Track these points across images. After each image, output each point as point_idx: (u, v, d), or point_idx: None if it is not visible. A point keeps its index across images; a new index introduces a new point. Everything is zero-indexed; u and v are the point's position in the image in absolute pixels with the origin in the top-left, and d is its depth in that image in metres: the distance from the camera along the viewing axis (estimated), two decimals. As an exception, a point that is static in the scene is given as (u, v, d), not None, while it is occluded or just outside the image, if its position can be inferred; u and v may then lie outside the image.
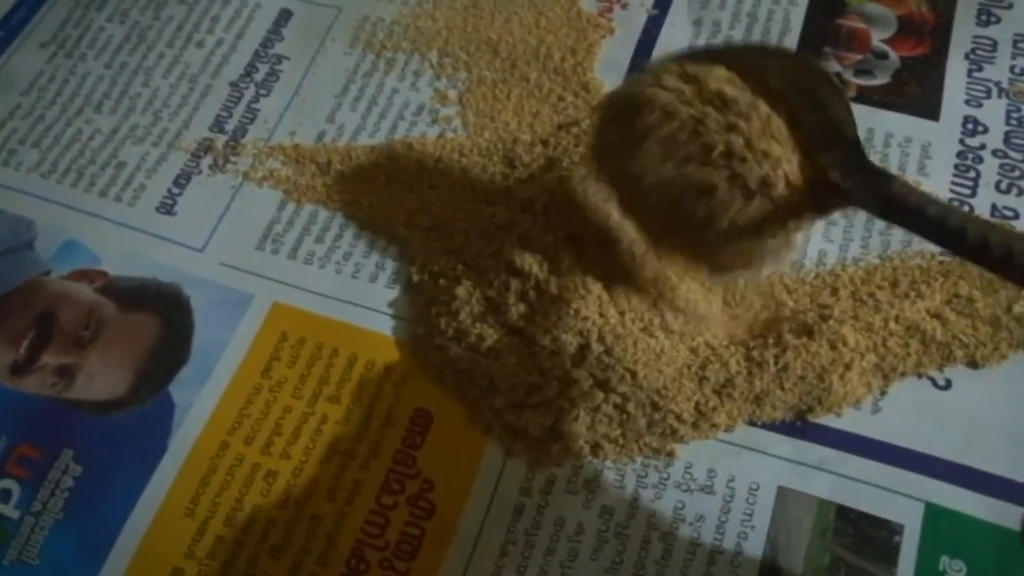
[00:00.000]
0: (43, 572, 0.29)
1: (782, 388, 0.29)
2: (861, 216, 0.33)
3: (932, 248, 0.31)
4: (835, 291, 0.31)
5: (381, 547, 0.29)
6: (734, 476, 0.29)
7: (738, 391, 0.29)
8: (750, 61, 0.26)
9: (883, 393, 0.30)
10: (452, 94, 0.37)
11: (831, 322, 0.29)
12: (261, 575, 0.29)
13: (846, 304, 0.30)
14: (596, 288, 0.29)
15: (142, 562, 0.29)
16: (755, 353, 0.29)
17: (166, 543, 0.29)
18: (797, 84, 0.25)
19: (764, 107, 0.25)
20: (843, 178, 0.24)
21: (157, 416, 0.31)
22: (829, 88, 0.25)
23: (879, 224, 0.33)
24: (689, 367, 0.29)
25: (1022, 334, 0.30)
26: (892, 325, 0.30)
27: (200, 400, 0.31)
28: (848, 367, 0.29)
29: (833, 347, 0.29)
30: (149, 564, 0.29)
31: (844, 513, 0.28)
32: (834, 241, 0.33)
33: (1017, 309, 0.30)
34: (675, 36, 0.38)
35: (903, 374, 0.30)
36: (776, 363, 0.29)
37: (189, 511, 0.30)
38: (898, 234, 0.32)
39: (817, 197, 0.25)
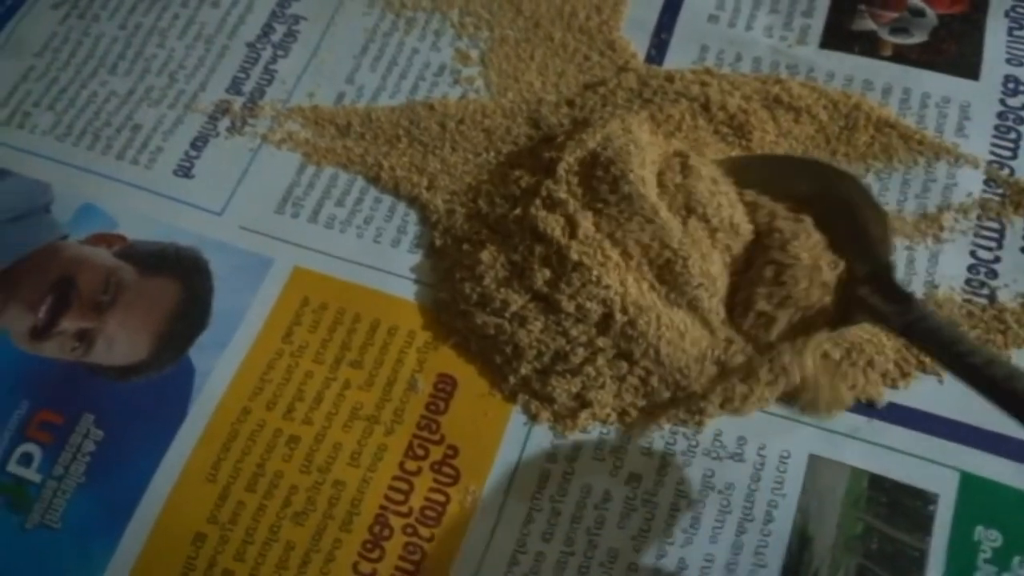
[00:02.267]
0: (66, 536, 0.29)
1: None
2: (897, 179, 0.32)
3: (971, 212, 0.31)
4: None
5: (405, 513, 0.29)
6: (765, 444, 0.29)
7: (764, 381, 0.28)
8: (785, 170, 0.30)
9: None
10: (474, 54, 0.36)
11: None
12: (284, 540, 0.28)
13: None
14: (615, 255, 0.28)
15: (165, 526, 0.29)
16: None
17: (188, 508, 0.29)
18: (839, 196, 0.28)
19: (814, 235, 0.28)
20: (876, 299, 0.26)
21: (177, 381, 0.31)
22: (872, 207, 0.28)
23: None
24: (713, 350, 0.28)
25: None
26: None
27: (220, 365, 0.31)
28: (871, 364, 0.28)
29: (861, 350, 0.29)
30: (172, 528, 0.29)
31: (877, 482, 0.28)
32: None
33: None
34: (704, -6, 0.37)
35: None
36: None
37: (211, 476, 0.29)
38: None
39: (842, 310, 0.27)
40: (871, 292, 0.27)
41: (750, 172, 0.30)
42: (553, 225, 0.29)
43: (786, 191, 0.29)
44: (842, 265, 0.28)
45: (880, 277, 0.27)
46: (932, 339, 0.25)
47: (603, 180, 0.28)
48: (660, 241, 0.28)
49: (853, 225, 0.28)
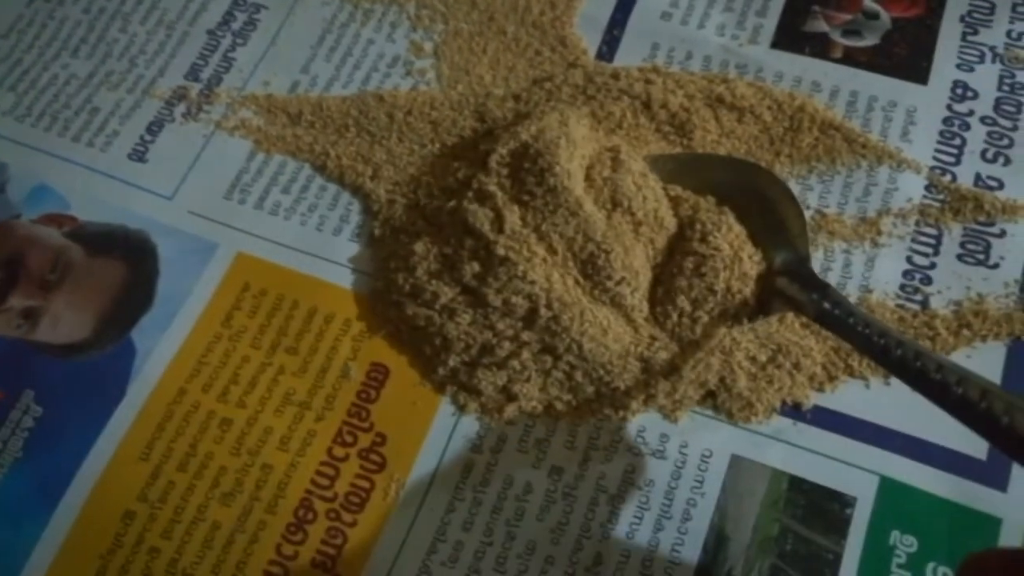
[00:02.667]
0: (1, 509, 0.29)
1: (732, 380, 0.29)
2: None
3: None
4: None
5: (330, 498, 0.29)
6: (687, 442, 0.29)
7: (686, 379, 0.28)
8: (710, 168, 0.30)
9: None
10: (428, 46, 0.36)
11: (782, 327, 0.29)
12: (211, 520, 0.29)
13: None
14: (540, 250, 0.28)
15: (96, 503, 0.29)
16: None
17: (120, 486, 0.29)
18: (759, 192, 0.29)
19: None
20: (794, 289, 0.27)
21: (118, 361, 0.31)
22: (791, 203, 0.28)
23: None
24: (636, 346, 0.28)
25: (986, 329, 0.29)
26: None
27: (161, 347, 0.31)
28: (797, 367, 0.29)
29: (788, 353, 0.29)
30: (103, 506, 0.29)
31: (797, 484, 0.28)
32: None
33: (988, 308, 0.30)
34: (659, -8, 0.37)
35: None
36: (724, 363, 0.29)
37: (144, 455, 0.30)
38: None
39: (762, 303, 0.28)
40: (789, 282, 0.27)
41: (676, 169, 0.30)
42: (482, 219, 0.29)
43: (709, 187, 0.29)
44: (760, 257, 0.28)
45: (797, 268, 0.28)
46: (844, 325, 0.25)
47: (530, 172, 0.29)
48: (584, 235, 0.28)
49: (773, 219, 0.28)
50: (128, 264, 0.33)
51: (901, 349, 0.23)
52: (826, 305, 0.26)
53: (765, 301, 0.28)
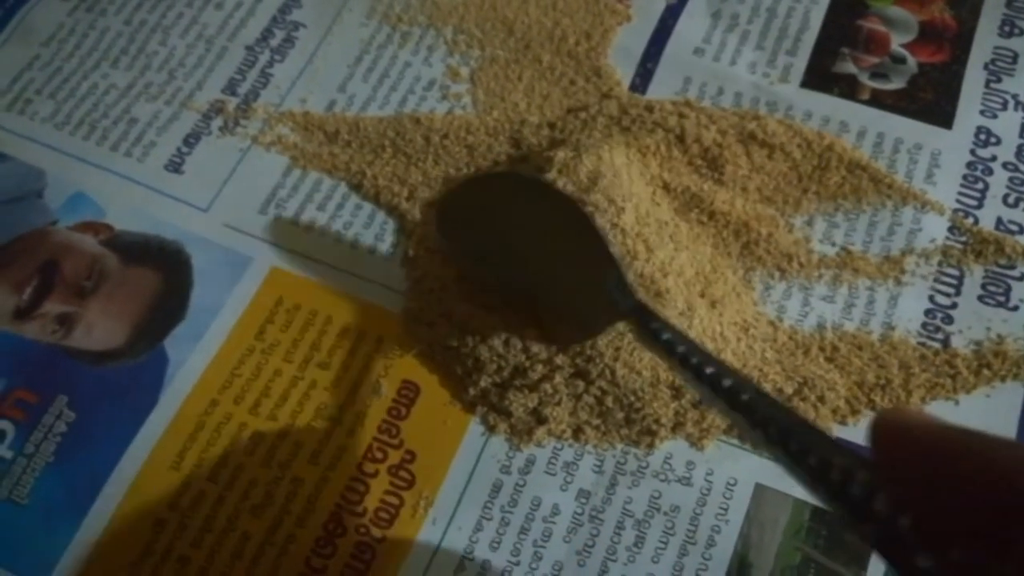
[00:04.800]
0: (32, 512, 0.30)
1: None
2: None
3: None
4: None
5: (359, 513, 0.29)
6: (713, 470, 0.29)
7: (715, 409, 0.29)
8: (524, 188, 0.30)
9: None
10: (464, 71, 0.37)
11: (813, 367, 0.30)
12: (241, 531, 0.29)
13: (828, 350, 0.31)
14: None
15: (127, 510, 0.30)
16: None
17: (151, 494, 0.30)
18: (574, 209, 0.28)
19: None
20: (621, 303, 0.26)
21: (151, 370, 0.32)
22: (592, 220, 0.28)
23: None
24: (668, 374, 0.29)
25: (1005, 369, 0.30)
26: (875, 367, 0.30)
27: (193, 357, 0.32)
28: (821, 400, 0.29)
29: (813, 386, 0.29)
30: (133, 512, 0.30)
31: (819, 514, 0.29)
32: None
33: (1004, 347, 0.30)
34: (692, 27, 0.38)
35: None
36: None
37: (175, 464, 0.30)
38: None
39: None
40: (621, 302, 0.26)
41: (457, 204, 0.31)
42: (519, 243, 0.30)
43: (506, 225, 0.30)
44: None
45: (622, 284, 0.27)
46: (661, 343, 0.24)
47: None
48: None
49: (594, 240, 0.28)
50: (162, 274, 0.34)
51: (713, 368, 0.21)
52: (646, 319, 0.25)
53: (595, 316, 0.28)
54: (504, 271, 0.30)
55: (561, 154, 0.32)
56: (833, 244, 0.33)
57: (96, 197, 0.35)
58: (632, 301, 0.26)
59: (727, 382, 0.20)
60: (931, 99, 0.35)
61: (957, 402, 0.30)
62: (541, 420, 0.30)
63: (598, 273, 0.27)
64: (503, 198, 0.30)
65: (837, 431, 0.30)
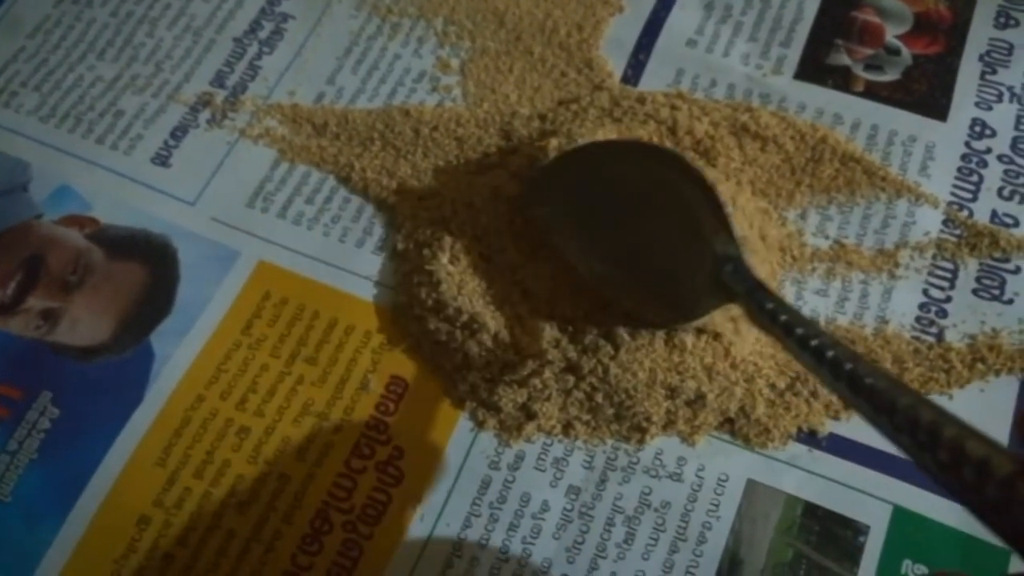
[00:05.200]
0: (15, 509, 0.29)
1: (751, 407, 0.29)
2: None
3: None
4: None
5: (346, 510, 0.29)
6: (704, 466, 0.29)
7: (709, 407, 0.29)
8: (641, 156, 0.29)
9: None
10: (455, 63, 0.37)
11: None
12: (226, 528, 0.29)
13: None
14: None
15: (111, 507, 0.29)
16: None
17: (135, 490, 0.29)
18: (673, 182, 0.27)
19: None
20: (737, 285, 0.25)
21: (136, 365, 0.31)
22: (714, 191, 0.27)
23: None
24: (666, 374, 0.28)
25: (1000, 363, 0.30)
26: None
27: (179, 352, 0.32)
28: (814, 395, 0.29)
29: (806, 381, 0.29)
30: (118, 509, 0.29)
31: (811, 510, 0.28)
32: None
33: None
34: (685, 19, 0.37)
35: None
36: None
37: (160, 461, 0.30)
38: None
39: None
40: (731, 273, 0.26)
41: (569, 168, 0.30)
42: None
43: (620, 183, 0.29)
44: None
45: (739, 265, 0.26)
46: (779, 325, 0.23)
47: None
48: None
49: (699, 210, 0.27)
50: (149, 268, 0.33)
51: (834, 351, 0.20)
52: (762, 298, 0.24)
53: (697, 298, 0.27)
54: (600, 246, 0.29)
55: (555, 141, 0.31)
56: (826, 237, 0.32)
57: (82, 191, 0.35)
58: (751, 282, 0.25)
59: (848, 365, 0.19)
60: (926, 91, 0.35)
61: (951, 396, 0.29)
62: (531, 415, 0.29)
63: (705, 251, 0.26)
64: (609, 167, 0.29)
65: (830, 426, 0.29)
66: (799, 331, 0.22)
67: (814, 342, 0.21)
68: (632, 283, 0.29)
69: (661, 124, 0.33)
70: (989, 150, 0.33)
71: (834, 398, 0.29)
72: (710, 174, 0.29)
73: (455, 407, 0.30)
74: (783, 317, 0.23)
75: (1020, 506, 0.13)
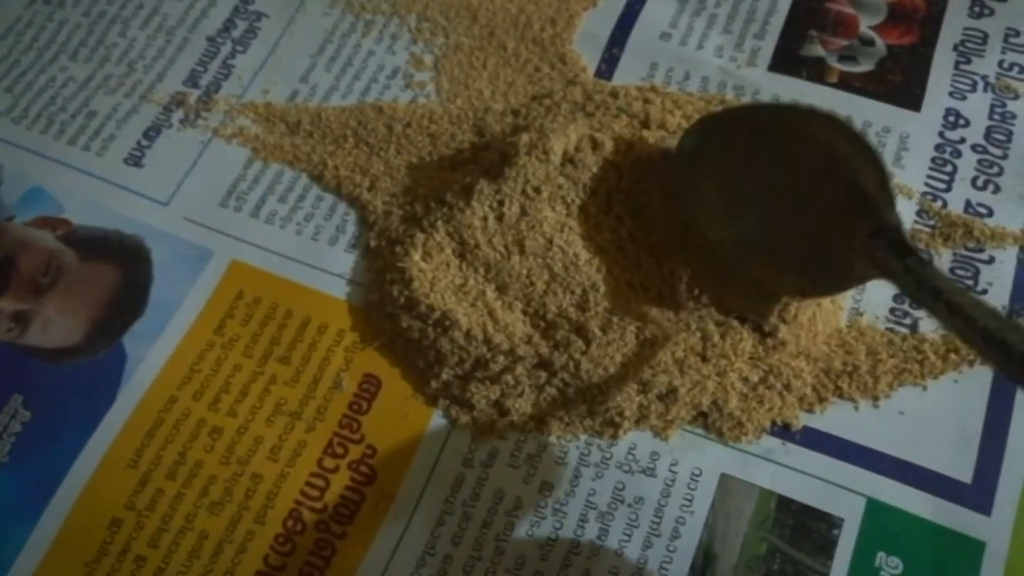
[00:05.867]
0: (-14, 514, 0.29)
1: (724, 400, 0.29)
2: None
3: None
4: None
5: (319, 509, 0.29)
6: (677, 460, 0.29)
7: (681, 401, 0.28)
8: (798, 119, 0.27)
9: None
10: (428, 59, 0.37)
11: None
12: (199, 529, 0.29)
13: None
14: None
15: (83, 510, 0.29)
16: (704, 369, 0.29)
17: (107, 493, 0.29)
18: (847, 148, 0.26)
19: None
20: (890, 260, 0.24)
21: (108, 367, 0.31)
22: (878, 158, 0.25)
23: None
24: (637, 369, 0.28)
25: (974, 354, 0.30)
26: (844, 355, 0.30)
27: (152, 353, 0.31)
28: (787, 388, 0.29)
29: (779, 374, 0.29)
30: (89, 512, 0.29)
31: (785, 504, 0.28)
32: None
33: None
34: (659, 12, 0.37)
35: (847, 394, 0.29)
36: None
37: (132, 463, 0.30)
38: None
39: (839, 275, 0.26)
40: (884, 249, 0.25)
41: (703, 145, 0.29)
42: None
43: (759, 162, 0.28)
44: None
45: (891, 232, 0.25)
46: (945, 304, 0.23)
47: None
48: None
49: (846, 180, 0.26)
50: (121, 269, 0.33)
51: (1003, 332, 0.20)
52: (932, 283, 0.23)
53: (844, 273, 0.26)
54: (742, 212, 0.28)
55: (526, 137, 0.31)
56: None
57: (54, 192, 0.35)
58: (914, 258, 0.24)
59: (1021, 348, 0.19)
60: (900, 81, 0.34)
61: (925, 387, 0.29)
62: (503, 412, 0.29)
63: (859, 221, 0.25)
64: (760, 133, 0.28)
65: (804, 420, 0.29)
66: (965, 311, 0.21)
67: (981, 323, 0.21)
68: (773, 252, 0.28)
69: (634, 118, 0.32)
70: (963, 140, 0.33)
71: (808, 391, 0.29)
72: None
73: (428, 405, 0.30)
74: (948, 296, 0.22)
75: None
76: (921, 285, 0.23)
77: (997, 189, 0.32)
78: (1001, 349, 0.20)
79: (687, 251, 0.30)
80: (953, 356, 0.29)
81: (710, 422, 0.29)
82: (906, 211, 0.32)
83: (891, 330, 0.30)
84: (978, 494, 0.28)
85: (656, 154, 0.30)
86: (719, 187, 0.29)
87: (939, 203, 0.32)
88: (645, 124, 0.32)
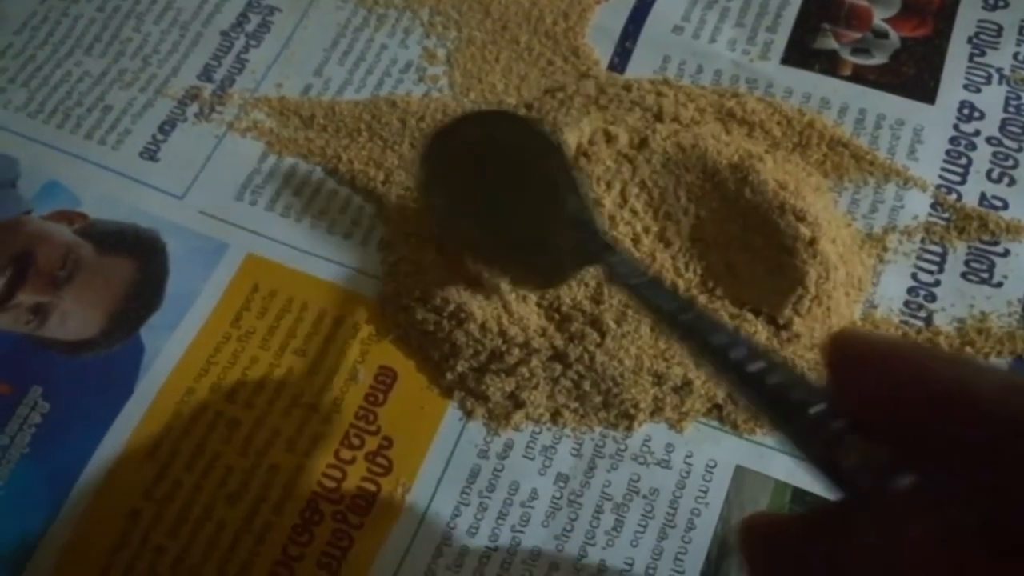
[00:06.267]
0: (7, 503, 0.29)
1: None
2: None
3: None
4: None
5: (336, 500, 0.29)
6: (692, 452, 0.29)
7: (696, 394, 0.29)
8: (486, 125, 0.29)
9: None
10: (441, 53, 0.37)
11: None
12: (217, 520, 0.29)
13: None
14: None
15: (102, 500, 0.29)
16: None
17: (126, 484, 0.30)
18: (531, 144, 0.27)
19: None
20: (589, 247, 0.25)
21: (126, 359, 0.31)
22: (560, 150, 0.27)
23: (862, 207, 0.32)
24: (652, 361, 0.28)
25: (989, 347, 0.30)
26: None
27: (169, 346, 0.32)
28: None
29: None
30: (109, 503, 0.29)
31: (799, 496, 0.28)
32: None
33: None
34: (671, 5, 0.37)
35: None
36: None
37: (151, 454, 0.30)
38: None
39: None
40: (580, 237, 0.26)
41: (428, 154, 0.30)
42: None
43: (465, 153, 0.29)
44: None
45: (584, 223, 0.26)
46: (628, 286, 0.23)
47: None
48: None
49: (537, 176, 0.27)
50: (138, 262, 0.33)
51: (688, 315, 0.20)
52: (613, 260, 0.24)
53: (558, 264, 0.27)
54: (479, 221, 0.29)
55: None
56: (814, 222, 0.32)
57: (70, 186, 0.35)
58: (601, 242, 0.25)
59: (686, 316, 0.20)
60: (914, 74, 0.34)
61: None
62: (519, 404, 0.29)
63: (562, 216, 0.26)
64: (478, 141, 0.29)
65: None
66: (648, 291, 0.22)
67: (662, 302, 0.22)
68: (508, 254, 0.29)
69: (647, 111, 0.32)
70: (978, 132, 0.33)
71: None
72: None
73: (444, 396, 0.30)
74: (634, 280, 0.23)
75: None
76: (612, 271, 0.24)
77: (1012, 182, 0.32)
78: (671, 326, 0.21)
79: (702, 244, 0.30)
80: (968, 349, 0.29)
81: (725, 414, 0.29)
82: (920, 204, 0.32)
83: (905, 323, 0.30)
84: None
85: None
86: (446, 200, 0.30)
87: (954, 196, 0.32)
88: (658, 117, 0.32)
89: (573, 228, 0.26)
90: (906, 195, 0.32)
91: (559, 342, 0.29)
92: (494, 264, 0.29)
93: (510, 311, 0.30)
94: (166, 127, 0.36)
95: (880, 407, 0.15)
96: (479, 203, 0.29)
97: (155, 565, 0.28)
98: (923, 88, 0.34)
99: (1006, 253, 0.31)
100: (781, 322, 0.29)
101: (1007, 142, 0.33)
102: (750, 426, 0.29)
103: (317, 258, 0.33)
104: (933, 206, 0.32)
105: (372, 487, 0.29)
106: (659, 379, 0.29)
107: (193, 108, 0.36)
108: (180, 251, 0.33)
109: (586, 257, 0.26)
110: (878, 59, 0.35)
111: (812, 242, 0.28)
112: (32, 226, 0.34)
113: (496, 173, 0.28)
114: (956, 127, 0.33)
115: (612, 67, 0.36)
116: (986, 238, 0.31)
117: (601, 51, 0.36)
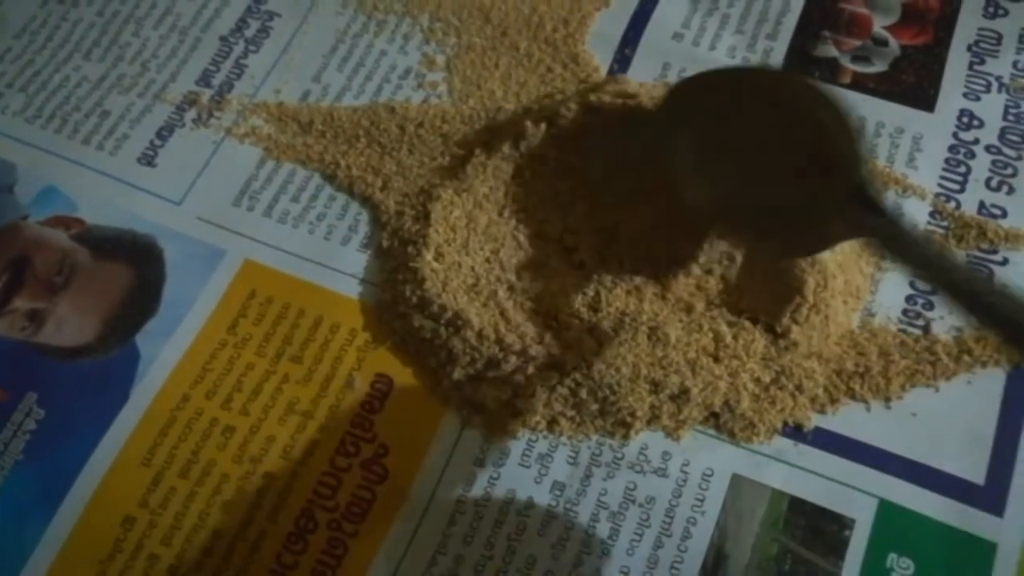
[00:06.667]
0: (1, 511, 0.29)
1: (736, 401, 0.29)
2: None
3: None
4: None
5: (331, 508, 0.29)
6: (689, 460, 0.29)
7: (693, 402, 0.28)
8: (771, 82, 0.28)
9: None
10: (440, 59, 0.37)
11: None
12: (211, 528, 0.29)
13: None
14: None
15: (97, 507, 0.29)
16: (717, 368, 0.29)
17: (121, 491, 0.29)
18: (819, 109, 0.26)
19: None
20: (858, 216, 0.25)
21: (122, 365, 0.31)
22: (849, 119, 0.26)
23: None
24: (649, 369, 0.28)
25: (987, 355, 0.29)
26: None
27: (165, 352, 0.32)
28: (799, 389, 0.29)
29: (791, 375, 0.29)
30: (103, 510, 0.29)
31: (797, 505, 0.28)
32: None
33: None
34: (671, 12, 0.37)
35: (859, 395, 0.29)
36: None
37: (146, 461, 0.30)
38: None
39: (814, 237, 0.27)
40: (858, 208, 0.25)
41: (691, 106, 0.29)
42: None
43: (734, 125, 0.28)
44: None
45: (857, 194, 0.25)
46: (909, 252, 0.24)
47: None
48: None
49: (818, 142, 0.26)
50: (135, 268, 0.33)
51: (969, 285, 0.22)
52: (892, 231, 0.24)
53: (820, 236, 0.27)
54: (721, 178, 0.29)
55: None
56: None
57: (68, 191, 0.35)
58: (884, 216, 0.25)
59: (988, 298, 0.21)
60: (913, 82, 0.34)
61: (937, 389, 0.29)
62: (515, 412, 0.29)
63: (835, 181, 0.26)
64: (735, 97, 0.28)
65: (816, 420, 0.29)
66: (937, 262, 0.23)
67: (952, 275, 0.22)
68: (750, 214, 0.28)
69: (646, 118, 0.32)
70: (977, 141, 0.33)
71: (820, 392, 0.29)
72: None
73: (440, 404, 0.30)
74: (917, 249, 0.23)
75: None
76: (892, 244, 0.24)
77: (1011, 190, 0.32)
78: (968, 302, 0.21)
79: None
80: (966, 358, 0.29)
81: (722, 423, 0.29)
82: (919, 212, 0.32)
83: (903, 331, 0.30)
84: (990, 496, 0.28)
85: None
86: (696, 152, 0.29)
87: (952, 204, 0.32)
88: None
89: (855, 201, 0.25)
90: (905, 203, 0.32)
91: (556, 350, 0.29)
92: (740, 225, 0.29)
93: (507, 318, 0.29)
94: (164, 133, 0.36)
95: None
96: (732, 163, 0.28)
97: (149, 572, 0.28)
98: (923, 96, 0.34)
99: (1005, 262, 0.31)
100: (779, 330, 0.29)
101: (1006, 151, 0.33)
102: (747, 434, 0.29)
103: (314, 264, 0.33)
104: (932, 214, 0.32)
105: (368, 495, 0.29)
106: (656, 387, 0.29)
107: (191, 113, 0.36)
108: (177, 257, 0.33)
109: (859, 227, 0.25)
110: (878, 67, 0.35)
111: None
112: (29, 231, 0.34)
113: (758, 133, 0.28)
114: (955, 135, 0.33)
115: (612, 74, 0.36)
116: (985, 246, 0.31)
117: (601, 58, 0.36)
